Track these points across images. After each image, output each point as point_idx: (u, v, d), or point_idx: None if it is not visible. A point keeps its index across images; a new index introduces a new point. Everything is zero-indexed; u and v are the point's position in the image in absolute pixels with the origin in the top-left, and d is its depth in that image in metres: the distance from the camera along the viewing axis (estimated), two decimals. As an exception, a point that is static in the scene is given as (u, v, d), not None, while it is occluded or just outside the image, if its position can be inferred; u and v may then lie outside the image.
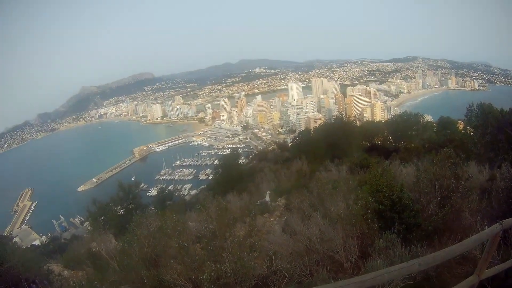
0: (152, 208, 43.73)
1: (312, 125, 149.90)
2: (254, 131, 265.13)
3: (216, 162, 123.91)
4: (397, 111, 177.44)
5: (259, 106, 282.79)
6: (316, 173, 30.47)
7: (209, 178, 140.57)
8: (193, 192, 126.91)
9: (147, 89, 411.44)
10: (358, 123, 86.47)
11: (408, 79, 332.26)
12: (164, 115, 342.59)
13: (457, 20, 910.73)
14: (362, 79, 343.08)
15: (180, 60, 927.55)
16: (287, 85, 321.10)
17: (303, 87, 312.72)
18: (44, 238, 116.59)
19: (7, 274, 12.68)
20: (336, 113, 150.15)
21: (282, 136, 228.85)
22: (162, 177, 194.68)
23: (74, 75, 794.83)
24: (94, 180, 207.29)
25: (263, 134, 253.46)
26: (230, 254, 9.04)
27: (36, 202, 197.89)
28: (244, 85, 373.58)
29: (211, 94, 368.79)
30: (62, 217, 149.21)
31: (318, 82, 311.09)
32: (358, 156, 33.73)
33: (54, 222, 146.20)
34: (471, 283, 7.14)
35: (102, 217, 35.11)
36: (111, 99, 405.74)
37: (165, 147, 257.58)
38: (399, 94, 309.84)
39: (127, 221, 21.79)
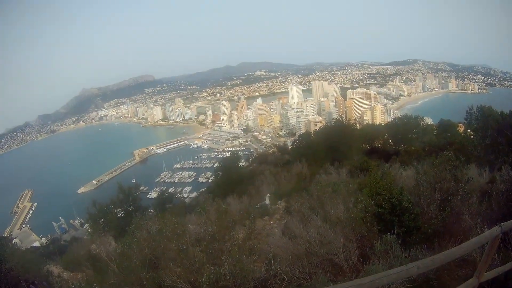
0: (152, 211, 43.80)
1: (313, 128, 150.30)
2: (254, 134, 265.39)
3: (216, 164, 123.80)
4: (397, 114, 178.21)
5: (260, 109, 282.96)
6: (316, 176, 30.47)
7: (209, 180, 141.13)
8: (193, 194, 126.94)
9: (148, 92, 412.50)
10: (358, 126, 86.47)
11: (409, 82, 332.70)
12: (165, 118, 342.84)
13: (457, 22, 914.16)
14: (363, 82, 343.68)
15: (181, 62, 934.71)
16: (288, 88, 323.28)
17: (303, 90, 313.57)
18: (44, 240, 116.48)
19: (7, 275, 12.66)
20: (336, 116, 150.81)
21: (282, 139, 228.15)
22: (162, 180, 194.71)
23: (75, 76, 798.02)
24: (94, 182, 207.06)
25: (264, 137, 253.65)
26: (229, 257, 9.02)
27: (36, 203, 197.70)
28: (244, 88, 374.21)
29: (212, 96, 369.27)
30: (62, 219, 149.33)
31: (319, 85, 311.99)
32: (358, 159, 33.78)
33: (54, 223, 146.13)
34: (470, 286, 7.12)
35: (102, 219, 35.05)
36: (112, 101, 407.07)
37: (165, 150, 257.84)
38: (400, 97, 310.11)
39: (127, 224, 21.87)
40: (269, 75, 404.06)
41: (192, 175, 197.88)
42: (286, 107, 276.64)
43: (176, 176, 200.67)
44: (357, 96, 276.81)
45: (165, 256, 11.40)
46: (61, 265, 20.06)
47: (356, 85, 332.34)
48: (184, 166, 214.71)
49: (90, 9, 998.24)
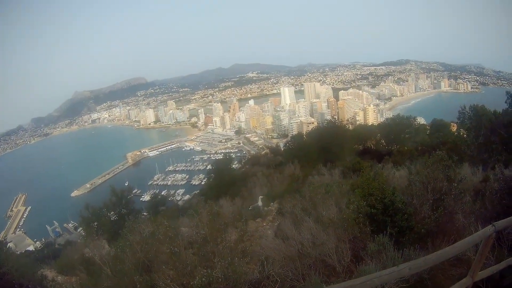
0: (145, 214, 43.75)
1: (305, 129, 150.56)
2: (246, 135, 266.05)
3: (209, 167, 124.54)
4: (389, 114, 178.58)
5: (252, 111, 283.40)
6: (309, 177, 30.47)
7: (202, 183, 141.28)
8: (186, 197, 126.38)
9: (140, 94, 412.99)
10: (350, 126, 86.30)
11: (401, 82, 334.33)
12: (157, 120, 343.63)
13: (450, 22, 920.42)
14: (355, 82, 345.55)
15: (173, 64, 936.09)
16: (280, 90, 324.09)
17: (295, 92, 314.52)
18: (38, 244, 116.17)
19: (1, 280, 12.56)
20: (328, 117, 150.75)
21: (274, 141, 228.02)
22: (155, 182, 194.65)
23: (67, 79, 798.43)
24: (88, 185, 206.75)
25: (256, 138, 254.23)
26: (221, 260, 8.96)
27: (30, 207, 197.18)
28: (236, 90, 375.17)
29: (204, 99, 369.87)
30: (56, 223, 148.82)
31: (311, 86, 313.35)
32: (351, 159, 33.69)
33: (48, 227, 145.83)
34: (464, 285, 7.08)
35: (96, 223, 34.96)
36: (104, 104, 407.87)
37: (158, 152, 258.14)
38: (392, 98, 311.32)
39: (120, 227, 21.76)
40: (261, 76, 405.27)
41: (185, 177, 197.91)
42: (278, 109, 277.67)
43: (169, 178, 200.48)
44: (350, 97, 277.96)
45: (158, 259, 11.38)
46: (55, 269, 20.12)
47: (348, 86, 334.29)
48: (177, 169, 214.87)
49: (83, 12, 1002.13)
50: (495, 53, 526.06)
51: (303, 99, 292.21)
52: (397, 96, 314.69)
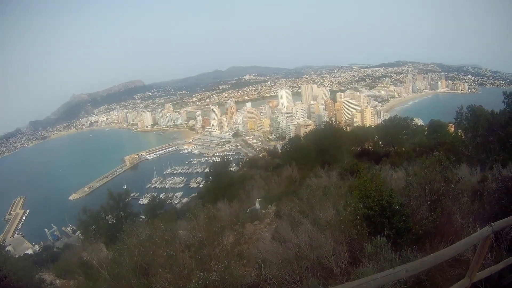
0: (143, 217, 43.73)
1: (302, 132, 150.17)
2: (244, 138, 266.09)
3: (206, 170, 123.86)
4: (387, 116, 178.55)
5: (249, 113, 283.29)
6: (307, 180, 30.41)
7: (200, 186, 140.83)
8: (184, 200, 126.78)
9: (138, 97, 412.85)
10: (348, 128, 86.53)
11: (398, 84, 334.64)
12: (155, 123, 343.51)
13: (447, 23, 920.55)
14: (352, 84, 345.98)
15: (170, 67, 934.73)
16: (277, 92, 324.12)
17: (293, 94, 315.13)
18: (36, 247, 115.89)
19: (0, 283, 12.52)
20: (326, 119, 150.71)
21: (272, 143, 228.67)
22: (153, 185, 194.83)
23: (65, 82, 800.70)
24: (86, 189, 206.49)
25: (254, 141, 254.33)
26: (218, 263, 8.92)
27: (28, 210, 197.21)
28: (234, 92, 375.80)
29: (201, 101, 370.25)
30: (54, 226, 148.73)
31: (308, 88, 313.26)
32: (349, 161, 33.63)
33: (47, 231, 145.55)
34: (463, 286, 7.06)
35: (94, 226, 34.91)
36: (102, 107, 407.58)
37: (155, 155, 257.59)
38: (389, 99, 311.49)
39: (118, 230, 21.70)
40: (258, 79, 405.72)
41: (183, 180, 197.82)
42: (275, 111, 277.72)
43: (167, 181, 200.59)
44: (347, 98, 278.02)
45: (155, 263, 11.34)
46: (54, 273, 20.24)
47: (346, 87, 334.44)
48: (175, 172, 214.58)
49: (80, 16, 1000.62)
50: (492, 53, 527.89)
51: (300, 101, 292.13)
52: (394, 98, 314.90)
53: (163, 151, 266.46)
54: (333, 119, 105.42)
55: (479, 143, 27.93)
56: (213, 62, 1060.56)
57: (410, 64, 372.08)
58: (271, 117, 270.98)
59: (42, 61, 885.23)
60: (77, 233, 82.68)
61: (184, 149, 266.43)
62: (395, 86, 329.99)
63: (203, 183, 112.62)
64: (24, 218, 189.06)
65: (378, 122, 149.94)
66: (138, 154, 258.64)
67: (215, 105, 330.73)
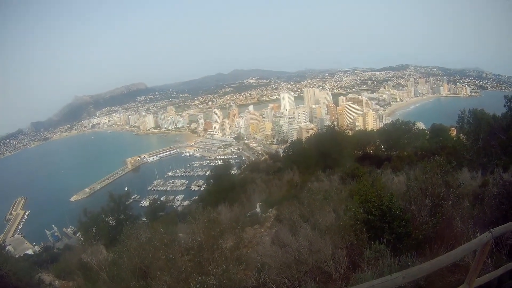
0: (144, 219, 43.79)
1: (304, 135, 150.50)
2: (246, 141, 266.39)
3: (208, 173, 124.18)
4: (389, 120, 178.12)
5: (251, 117, 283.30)
6: (308, 184, 30.33)
7: (202, 189, 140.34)
8: (186, 203, 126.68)
9: (140, 99, 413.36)
10: (350, 132, 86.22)
11: (400, 87, 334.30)
12: (157, 126, 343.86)
13: (449, 27, 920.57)
14: (354, 88, 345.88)
15: (173, 70, 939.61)
16: (279, 95, 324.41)
17: (295, 97, 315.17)
18: (37, 248, 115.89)
19: (-1, 282, 12.52)
20: (328, 123, 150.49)
21: (274, 147, 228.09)
22: (154, 188, 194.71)
23: (67, 84, 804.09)
24: (87, 190, 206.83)
25: (255, 144, 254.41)
26: (217, 267, 8.89)
27: (29, 211, 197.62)
28: (236, 96, 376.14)
29: (204, 104, 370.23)
30: (55, 227, 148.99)
31: (310, 92, 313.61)
32: (350, 165, 33.55)
33: (47, 231, 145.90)
34: (461, 292, 7.00)
35: (94, 228, 34.91)
36: (104, 109, 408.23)
37: (157, 158, 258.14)
38: (391, 103, 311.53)
39: (118, 232, 21.71)
40: (260, 82, 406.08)
41: (184, 183, 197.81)
42: (278, 115, 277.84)
43: (168, 184, 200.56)
44: (349, 102, 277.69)
45: (154, 265, 11.33)
46: (53, 273, 20.26)
47: (348, 91, 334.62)
48: (176, 174, 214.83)
49: (83, 17, 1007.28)
50: (494, 56, 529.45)
51: (302, 105, 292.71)
52: (396, 101, 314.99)
53: (164, 153, 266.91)
54: (335, 123, 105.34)
55: (480, 147, 27.86)
56: (216, 65, 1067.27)
57: (412, 67, 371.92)
58: (273, 121, 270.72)
59: (45, 62, 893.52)
60: (77, 234, 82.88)
61: (186, 152, 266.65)
62: (397, 89, 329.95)
63: (204, 186, 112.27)
64: (24, 219, 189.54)
65: (380, 126, 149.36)
66: (139, 157, 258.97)
67: (217, 108, 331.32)
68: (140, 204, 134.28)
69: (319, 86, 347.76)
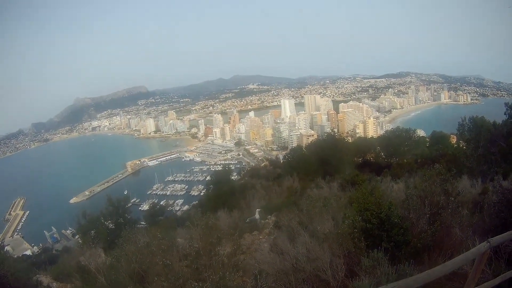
0: (143, 223, 43.73)
1: (305, 142, 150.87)
2: (246, 147, 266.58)
3: (208, 178, 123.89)
4: (389, 127, 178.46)
5: (252, 123, 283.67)
6: (307, 190, 30.30)
7: (201, 194, 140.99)
8: (185, 207, 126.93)
9: (141, 103, 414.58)
10: (350, 139, 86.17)
11: (401, 95, 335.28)
12: (157, 130, 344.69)
13: (450, 34, 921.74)
14: (355, 95, 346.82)
15: (174, 74, 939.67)
16: (280, 102, 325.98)
17: (296, 104, 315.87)
18: (35, 249, 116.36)
19: (-4, 283, 12.50)
20: (328, 130, 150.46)
21: (274, 153, 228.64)
22: (154, 192, 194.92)
23: (68, 85, 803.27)
24: (87, 193, 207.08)
25: (256, 150, 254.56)
26: (213, 273, 8.86)
27: (28, 212, 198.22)
28: (237, 101, 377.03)
29: (204, 109, 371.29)
30: (54, 229, 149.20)
31: (311, 98, 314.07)
32: (350, 172, 33.53)
33: (46, 233, 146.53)
34: (459, 302, 6.98)
35: (93, 231, 34.92)
36: (105, 112, 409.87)
37: (157, 162, 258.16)
38: (392, 110, 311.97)
39: (116, 236, 21.66)
40: (261, 88, 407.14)
41: (184, 188, 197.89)
42: (278, 121, 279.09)
43: (168, 188, 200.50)
44: (350, 109, 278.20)
45: (152, 270, 11.29)
46: (51, 275, 20.06)
47: (349, 98, 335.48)
48: (176, 179, 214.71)
49: (85, 19, 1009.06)
50: (495, 64, 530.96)
51: (303, 112, 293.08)
52: (397, 109, 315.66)
53: (165, 158, 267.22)
54: (336, 130, 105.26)
55: (480, 154, 27.82)
56: (217, 70, 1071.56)
57: (413, 75, 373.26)
58: (273, 127, 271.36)
59: (46, 63, 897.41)
60: (76, 237, 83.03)
61: (186, 157, 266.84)
62: (398, 97, 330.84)
63: (204, 191, 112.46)
64: (24, 219, 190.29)
65: (381, 133, 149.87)
66: (140, 160, 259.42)
67: (218, 114, 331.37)
68: (140, 208, 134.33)
69: (320, 93, 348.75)
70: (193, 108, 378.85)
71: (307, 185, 36.75)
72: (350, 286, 8.59)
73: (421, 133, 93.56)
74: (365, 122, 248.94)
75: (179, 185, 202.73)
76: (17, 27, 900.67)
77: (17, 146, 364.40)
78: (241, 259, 11.72)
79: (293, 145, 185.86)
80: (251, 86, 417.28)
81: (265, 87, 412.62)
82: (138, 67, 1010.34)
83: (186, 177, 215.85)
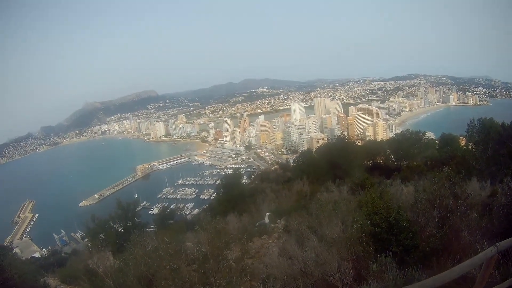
0: (153, 227, 43.78)
1: (315, 145, 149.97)
2: (256, 151, 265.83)
3: (218, 182, 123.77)
4: (399, 130, 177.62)
5: (262, 126, 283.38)
6: (317, 194, 30.23)
7: (212, 197, 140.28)
8: (195, 211, 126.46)
9: (151, 107, 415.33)
10: (360, 142, 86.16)
11: (410, 97, 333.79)
12: (167, 134, 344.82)
13: (458, 35, 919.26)
14: (365, 98, 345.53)
15: (184, 78, 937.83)
16: (290, 105, 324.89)
17: (305, 107, 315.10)
18: (44, 251, 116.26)
19: (4, 285, 12.55)
20: (338, 133, 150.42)
21: (284, 156, 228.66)
22: (164, 196, 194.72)
23: (78, 89, 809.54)
24: (96, 196, 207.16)
25: (266, 154, 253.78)
26: (221, 278, 8.87)
27: (37, 214, 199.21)
28: (247, 105, 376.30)
29: (214, 113, 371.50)
30: (63, 231, 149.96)
31: (321, 101, 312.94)
32: (360, 176, 33.43)
33: (55, 235, 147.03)
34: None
35: (102, 234, 34.95)
36: (114, 116, 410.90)
37: (167, 166, 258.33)
38: (401, 112, 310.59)
39: (125, 240, 21.71)
40: (271, 92, 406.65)
41: (194, 191, 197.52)
42: (288, 124, 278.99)
43: (178, 192, 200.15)
44: (359, 112, 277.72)
45: (160, 274, 11.30)
46: (59, 278, 20.20)
47: (358, 101, 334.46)
48: (187, 183, 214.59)
49: (95, 23, 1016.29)
50: (503, 64, 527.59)
51: (313, 115, 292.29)
52: (406, 111, 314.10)
53: (175, 162, 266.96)
54: (346, 133, 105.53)
55: (489, 156, 27.64)
56: (227, 74, 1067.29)
57: (422, 77, 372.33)
58: (283, 130, 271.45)
59: (57, 67, 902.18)
60: (85, 240, 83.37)
61: (196, 161, 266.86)
62: (407, 99, 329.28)
63: (214, 195, 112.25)
64: (32, 222, 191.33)
65: (390, 136, 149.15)
66: (150, 164, 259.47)
67: (228, 118, 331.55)
68: (150, 212, 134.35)
69: (329, 96, 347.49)
70: (203, 112, 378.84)
71: (317, 188, 36.57)
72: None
73: (430, 135, 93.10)
74: (375, 125, 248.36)
75: (189, 189, 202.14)
76: (27, 31, 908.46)
77: (26, 149, 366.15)
78: (248, 264, 11.70)
79: (303, 148, 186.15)
80: (260, 90, 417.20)
81: (275, 90, 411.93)
82: (148, 72, 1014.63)
83: (196, 181, 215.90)
